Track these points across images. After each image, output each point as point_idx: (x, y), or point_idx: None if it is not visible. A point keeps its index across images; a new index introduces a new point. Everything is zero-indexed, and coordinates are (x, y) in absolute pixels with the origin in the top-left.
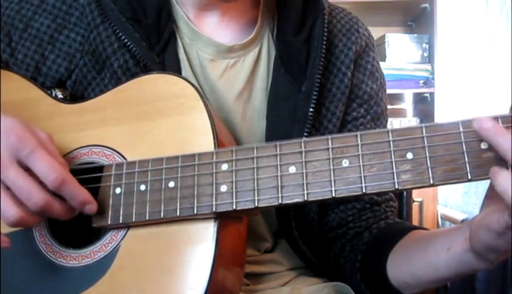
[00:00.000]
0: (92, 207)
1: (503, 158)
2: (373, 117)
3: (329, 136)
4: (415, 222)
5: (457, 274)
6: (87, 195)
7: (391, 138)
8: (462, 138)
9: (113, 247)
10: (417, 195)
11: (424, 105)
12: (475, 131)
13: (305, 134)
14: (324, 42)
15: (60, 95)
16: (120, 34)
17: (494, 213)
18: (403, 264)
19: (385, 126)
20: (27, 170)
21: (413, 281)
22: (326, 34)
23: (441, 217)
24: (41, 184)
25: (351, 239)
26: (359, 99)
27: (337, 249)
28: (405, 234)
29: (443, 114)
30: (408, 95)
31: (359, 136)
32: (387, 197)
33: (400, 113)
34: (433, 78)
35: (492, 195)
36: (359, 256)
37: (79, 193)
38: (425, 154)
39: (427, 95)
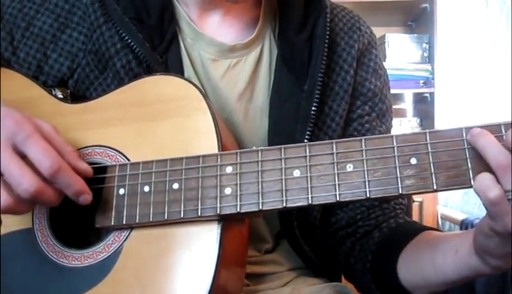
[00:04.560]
0: (87, 197)
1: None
2: (378, 115)
3: (334, 141)
4: None
5: (464, 277)
6: (83, 184)
7: (395, 143)
8: (466, 144)
9: (116, 247)
10: (417, 195)
11: (424, 105)
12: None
13: (308, 133)
14: (327, 41)
15: (60, 95)
16: (124, 34)
17: (485, 217)
18: (413, 266)
19: (390, 123)
20: (24, 158)
21: (423, 283)
22: (328, 33)
23: (441, 217)
24: (35, 171)
25: (360, 238)
26: (363, 97)
27: (346, 249)
28: (416, 235)
29: (443, 114)
30: (408, 95)
31: (363, 141)
32: None
33: (400, 113)
34: (433, 78)
35: None
36: (370, 257)
37: (75, 182)
38: (429, 159)
39: (427, 95)
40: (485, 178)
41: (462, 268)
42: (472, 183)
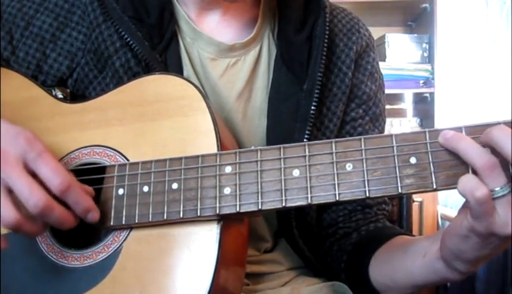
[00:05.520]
0: (94, 215)
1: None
2: (372, 118)
3: (333, 140)
4: (415, 222)
5: (430, 282)
6: (91, 202)
7: (394, 143)
8: None
9: (115, 248)
10: (417, 195)
11: (424, 105)
12: (478, 137)
13: (307, 132)
14: (326, 41)
15: (60, 95)
16: (123, 33)
17: (458, 218)
18: (384, 269)
19: (383, 128)
20: (34, 176)
21: (393, 285)
22: (327, 33)
23: (441, 217)
24: (45, 188)
25: (339, 238)
26: (358, 99)
27: (326, 248)
28: (390, 239)
29: (443, 114)
30: (408, 95)
31: (362, 140)
32: (380, 200)
33: (400, 113)
34: (433, 78)
35: (466, 205)
36: (345, 257)
37: (83, 200)
38: (429, 159)
39: (427, 95)
40: (470, 178)
41: (428, 272)
42: None
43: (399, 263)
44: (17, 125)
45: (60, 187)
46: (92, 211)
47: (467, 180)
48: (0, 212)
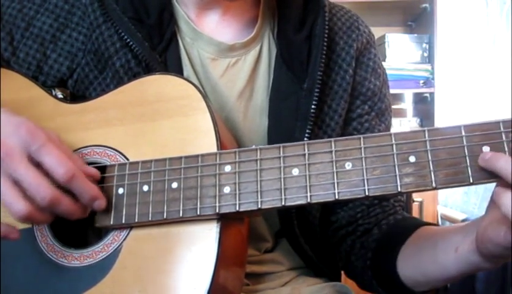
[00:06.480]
0: (101, 202)
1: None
2: (378, 114)
3: (332, 139)
4: None
5: (464, 273)
6: (97, 190)
7: (393, 141)
8: (464, 142)
9: (115, 247)
10: (417, 195)
11: (424, 105)
12: (477, 135)
13: (307, 131)
14: (325, 39)
15: (60, 95)
16: (123, 34)
17: (499, 226)
18: (413, 263)
19: (390, 122)
20: (38, 166)
21: (423, 279)
22: (327, 32)
23: (441, 217)
24: (51, 179)
25: (360, 235)
26: (362, 96)
27: (347, 247)
28: (414, 231)
29: (443, 114)
30: (408, 95)
31: (362, 139)
32: None
33: (400, 113)
34: (433, 78)
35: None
36: (370, 254)
37: (89, 188)
38: (428, 157)
39: (427, 95)
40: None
41: (462, 265)
42: (471, 181)
43: (429, 257)
44: (18, 115)
45: (65, 176)
46: (99, 198)
47: (507, 200)
48: (12, 205)
